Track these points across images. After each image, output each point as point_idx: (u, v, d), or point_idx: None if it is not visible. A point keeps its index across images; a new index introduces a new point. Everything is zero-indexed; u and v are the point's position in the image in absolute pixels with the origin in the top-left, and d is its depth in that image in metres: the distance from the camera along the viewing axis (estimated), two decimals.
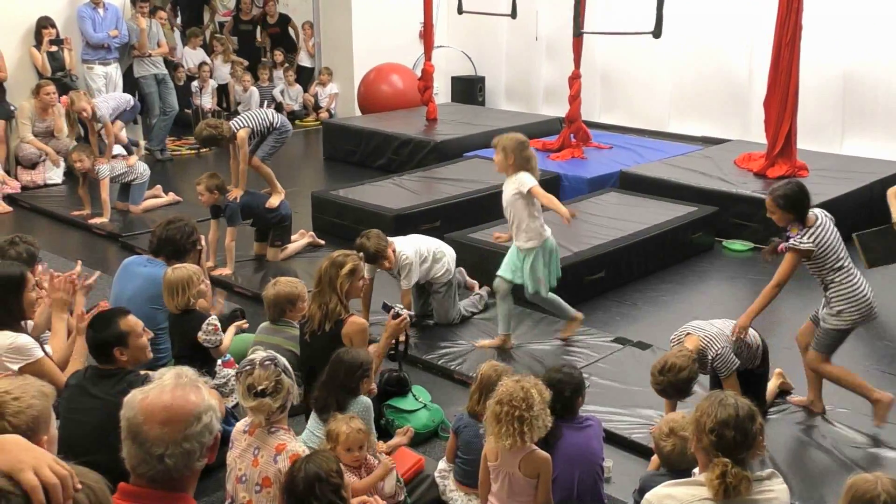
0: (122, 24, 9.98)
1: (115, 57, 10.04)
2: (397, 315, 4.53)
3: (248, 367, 3.23)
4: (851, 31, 9.68)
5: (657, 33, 8.41)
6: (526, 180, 5.09)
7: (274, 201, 6.90)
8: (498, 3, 10.62)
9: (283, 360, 3.29)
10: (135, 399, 2.07)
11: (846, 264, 4.35)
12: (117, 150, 8.35)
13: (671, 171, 8.24)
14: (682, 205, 7.33)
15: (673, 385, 4.03)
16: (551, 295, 5.39)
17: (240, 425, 3.34)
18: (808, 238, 4.28)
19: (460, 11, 10.84)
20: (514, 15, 10.41)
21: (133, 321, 3.63)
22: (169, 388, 2.07)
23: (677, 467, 3.42)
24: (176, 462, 2.02)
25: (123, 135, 8.54)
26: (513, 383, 3.32)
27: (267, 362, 3.20)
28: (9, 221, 8.26)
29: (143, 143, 10.60)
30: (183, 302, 4.47)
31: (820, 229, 4.31)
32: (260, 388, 3.14)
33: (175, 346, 4.61)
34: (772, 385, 4.72)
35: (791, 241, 4.31)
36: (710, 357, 4.26)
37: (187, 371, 2.15)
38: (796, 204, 4.31)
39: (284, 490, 3.01)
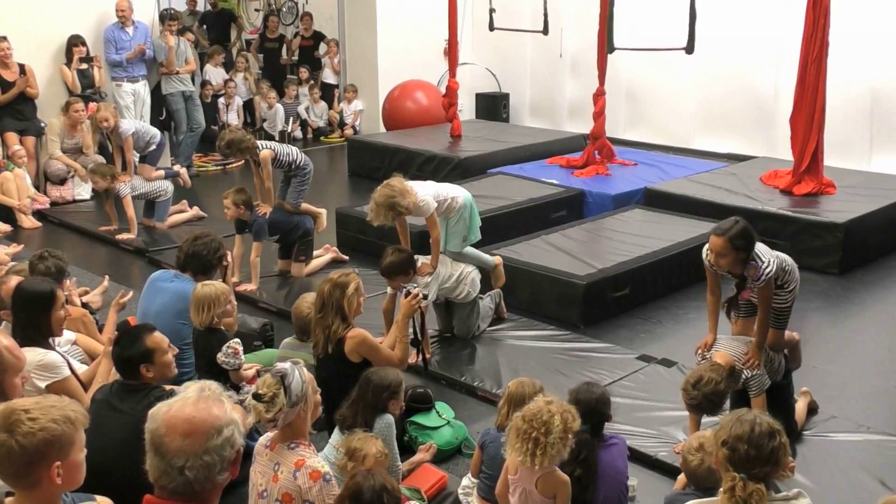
0: (150, 42, 10.12)
1: (143, 74, 10.17)
2: (409, 293, 4.54)
3: (266, 370, 3.26)
4: (879, 48, 9.61)
5: (690, 49, 8.39)
6: (425, 211, 5.47)
7: (322, 221, 7.27)
8: (524, 20, 10.65)
9: (295, 379, 3.19)
10: (159, 412, 2.08)
11: None
12: (165, 185, 8.44)
13: (696, 188, 8.20)
14: (707, 222, 7.27)
15: (707, 398, 3.99)
16: (470, 249, 5.80)
17: (262, 440, 3.34)
18: (770, 266, 4.25)
19: (492, 28, 10.88)
20: (545, 31, 10.42)
21: (159, 338, 3.65)
22: (191, 401, 2.07)
23: (704, 485, 3.38)
24: (196, 474, 2.02)
25: (160, 173, 8.59)
26: (543, 403, 3.29)
27: (278, 374, 3.17)
28: (38, 236, 8.37)
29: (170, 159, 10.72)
30: (207, 319, 4.48)
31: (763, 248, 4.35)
32: (260, 392, 3.16)
33: (198, 362, 4.63)
34: (801, 405, 4.67)
35: (761, 278, 4.24)
36: (744, 376, 4.22)
37: (211, 385, 2.15)
38: (752, 239, 4.26)
39: (349, 499, 3.02)
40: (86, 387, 4.05)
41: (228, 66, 13.20)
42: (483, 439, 3.85)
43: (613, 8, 8.82)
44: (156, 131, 8.81)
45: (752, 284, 4.32)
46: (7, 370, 3.08)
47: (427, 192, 5.53)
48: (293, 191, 7.01)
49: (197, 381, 2.19)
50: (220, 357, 4.38)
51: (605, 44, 8.95)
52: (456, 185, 5.98)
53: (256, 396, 3.14)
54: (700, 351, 4.44)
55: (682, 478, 3.72)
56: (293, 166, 6.98)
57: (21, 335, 3.85)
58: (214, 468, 2.04)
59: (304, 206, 7.13)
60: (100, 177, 7.99)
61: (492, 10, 10.82)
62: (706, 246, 4.40)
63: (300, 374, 3.21)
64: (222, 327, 4.58)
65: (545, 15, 10.34)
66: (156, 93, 10.49)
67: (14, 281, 4.33)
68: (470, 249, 5.83)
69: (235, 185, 7.49)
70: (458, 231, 5.72)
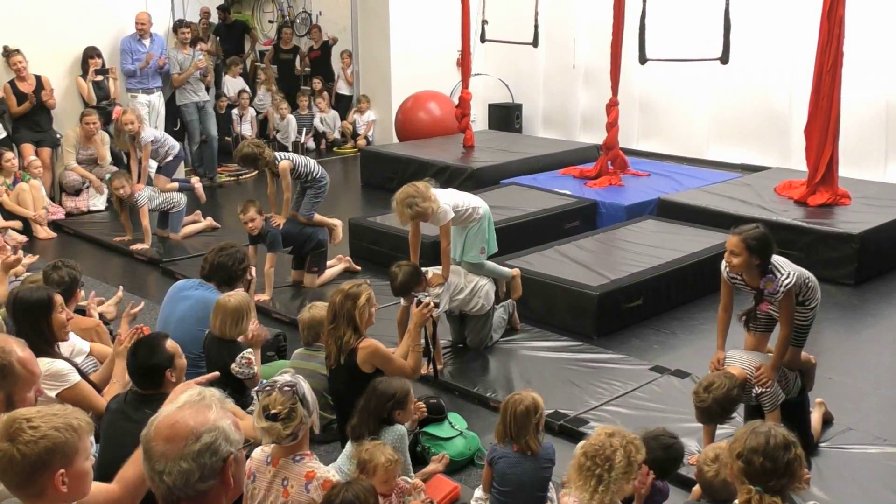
0: (165, 53, 10.19)
1: (158, 86, 10.24)
2: (420, 302, 4.54)
3: (268, 388, 3.19)
4: (893, 58, 9.57)
5: (724, 59, 8.38)
6: (441, 219, 5.44)
7: (338, 234, 7.30)
8: (525, 31, 10.65)
9: (305, 389, 3.21)
10: (154, 417, 2.07)
11: None
12: (179, 196, 8.49)
13: (710, 199, 8.17)
14: (721, 232, 7.24)
15: (718, 402, 3.96)
16: (488, 262, 5.79)
17: (258, 454, 3.29)
18: (790, 277, 4.22)
19: (483, 40, 10.91)
20: (535, 44, 10.45)
21: (173, 343, 3.68)
22: (179, 406, 2.05)
23: (719, 497, 3.36)
24: (174, 481, 1.98)
25: (175, 185, 8.63)
26: (605, 437, 3.18)
27: (286, 388, 3.14)
28: (53, 247, 8.41)
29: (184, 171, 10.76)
30: (245, 327, 4.46)
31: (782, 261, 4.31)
32: (273, 411, 3.11)
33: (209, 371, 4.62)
34: (816, 416, 4.63)
35: (779, 290, 4.21)
36: (755, 392, 4.19)
37: (208, 391, 2.11)
38: (768, 246, 4.23)
39: None
40: (100, 389, 4.04)
41: (244, 77, 13.28)
42: (491, 455, 3.82)
43: (645, 19, 8.79)
44: (174, 142, 8.87)
45: (769, 297, 4.29)
46: (17, 383, 3.07)
47: (445, 200, 5.52)
48: (307, 202, 7.03)
49: (198, 388, 2.17)
50: (235, 367, 4.38)
51: (638, 54, 8.85)
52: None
53: (272, 418, 3.09)
54: (714, 368, 4.41)
55: (696, 489, 3.69)
56: (310, 178, 7.00)
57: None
58: (192, 476, 1.98)
59: (319, 217, 7.15)
60: (125, 180, 8.04)
61: (484, 22, 10.85)
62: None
63: (305, 383, 3.21)
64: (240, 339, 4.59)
65: (535, 27, 10.36)
66: (171, 104, 10.55)
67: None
68: (488, 262, 5.84)
69: (249, 195, 7.52)
70: (476, 242, 5.70)
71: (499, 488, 3.75)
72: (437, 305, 4.75)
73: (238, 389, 4.40)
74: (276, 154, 7.02)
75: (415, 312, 4.55)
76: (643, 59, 8.92)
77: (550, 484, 3.82)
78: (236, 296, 4.58)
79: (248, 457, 3.23)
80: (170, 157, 8.62)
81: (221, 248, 5.18)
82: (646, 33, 8.84)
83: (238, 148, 7.04)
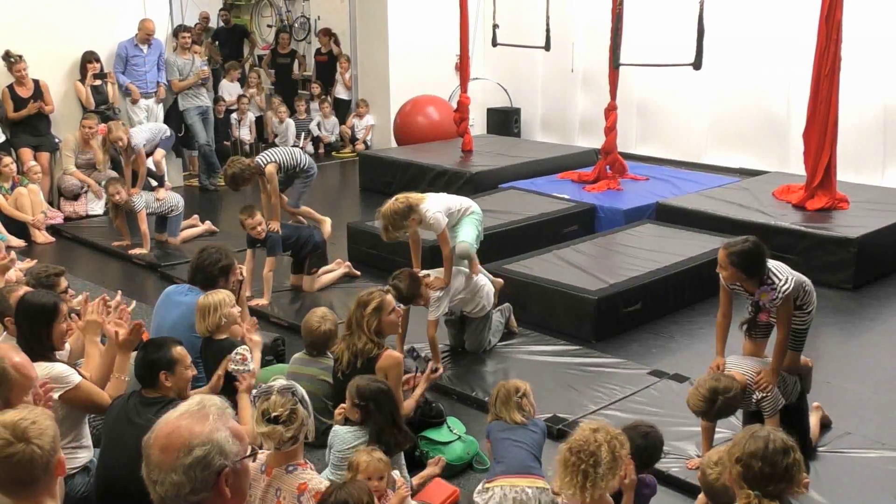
0: (162, 60, 10.20)
1: (156, 90, 10.23)
2: (437, 370, 4.75)
3: (265, 393, 3.19)
4: (891, 62, 9.60)
5: (697, 65, 8.41)
6: (436, 228, 5.47)
7: (326, 229, 7.30)
8: (532, 35, 10.68)
9: (302, 391, 3.23)
10: (158, 423, 2.07)
11: None
12: (177, 200, 8.52)
13: (708, 203, 8.18)
14: (719, 236, 7.25)
15: (719, 393, 3.97)
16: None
17: (251, 463, 3.28)
18: (788, 283, 4.23)
19: (494, 44, 10.92)
20: (547, 47, 10.47)
21: (183, 352, 3.69)
22: (178, 414, 2.04)
23: (720, 501, 3.35)
24: (167, 491, 1.96)
25: (163, 164, 8.68)
26: (589, 432, 3.18)
27: (285, 390, 3.16)
28: (51, 251, 8.41)
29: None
30: (214, 322, 4.47)
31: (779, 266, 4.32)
32: (274, 414, 3.09)
33: (207, 373, 4.61)
34: (813, 420, 4.63)
35: (778, 297, 4.22)
36: (755, 397, 4.20)
37: (209, 399, 2.09)
38: (755, 261, 4.22)
39: None
40: (100, 385, 4.02)
41: (242, 81, 13.28)
42: (488, 431, 4.05)
43: (620, 23, 8.84)
44: (163, 126, 9.13)
45: (770, 305, 4.29)
46: (13, 388, 3.06)
47: (438, 207, 5.51)
48: (294, 191, 7.15)
49: (200, 395, 2.17)
50: (230, 365, 4.36)
51: (611, 57, 8.97)
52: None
53: (274, 420, 3.07)
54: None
55: (701, 497, 3.68)
56: (297, 169, 7.11)
57: (24, 348, 3.84)
58: (183, 488, 1.96)
59: (306, 209, 7.19)
60: (121, 185, 8.04)
61: (495, 26, 10.87)
62: None
63: (300, 388, 3.25)
64: (231, 336, 4.58)
65: (547, 31, 10.38)
66: (174, 109, 10.54)
67: (23, 290, 4.33)
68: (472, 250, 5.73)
69: (247, 200, 7.54)
70: (471, 226, 5.67)
71: (497, 448, 3.93)
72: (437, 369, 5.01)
73: (233, 390, 4.39)
74: (258, 159, 7.06)
75: (425, 377, 4.69)
76: (616, 64, 8.97)
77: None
78: (211, 294, 4.60)
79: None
80: (162, 138, 8.93)
81: (202, 251, 5.21)
82: (622, 38, 8.88)
83: (224, 172, 7.08)
